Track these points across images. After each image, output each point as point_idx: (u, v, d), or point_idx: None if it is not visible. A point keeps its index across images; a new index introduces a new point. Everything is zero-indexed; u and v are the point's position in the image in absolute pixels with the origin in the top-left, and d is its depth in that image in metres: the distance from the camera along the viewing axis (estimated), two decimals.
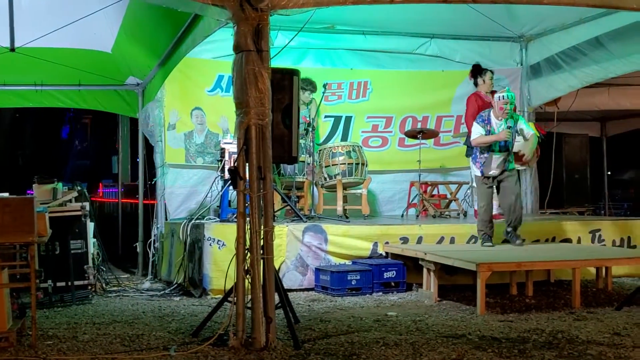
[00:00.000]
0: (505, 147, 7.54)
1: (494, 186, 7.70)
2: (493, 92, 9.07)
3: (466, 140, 9.20)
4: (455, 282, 7.47)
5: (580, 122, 14.89)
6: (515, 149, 7.79)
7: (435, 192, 10.08)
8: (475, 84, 9.06)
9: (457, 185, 9.87)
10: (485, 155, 7.57)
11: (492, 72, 9.09)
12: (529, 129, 7.71)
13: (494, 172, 7.58)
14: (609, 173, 16.93)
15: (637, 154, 22.15)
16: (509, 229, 7.69)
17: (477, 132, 7.62)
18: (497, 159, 7.55)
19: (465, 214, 9.47)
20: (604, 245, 8.40)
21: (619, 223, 8.81)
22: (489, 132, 7.53)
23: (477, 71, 9.08)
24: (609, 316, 6.07)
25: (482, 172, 7.62)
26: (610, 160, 16.22)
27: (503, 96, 7.50)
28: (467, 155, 9.14)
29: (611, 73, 9.46)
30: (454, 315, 6.21)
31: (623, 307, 6.40)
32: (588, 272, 7.82)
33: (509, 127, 7.48)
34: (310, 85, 9.21)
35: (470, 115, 8.93)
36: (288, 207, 8.39)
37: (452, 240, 8.01)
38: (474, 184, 9.03)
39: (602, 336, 5.29)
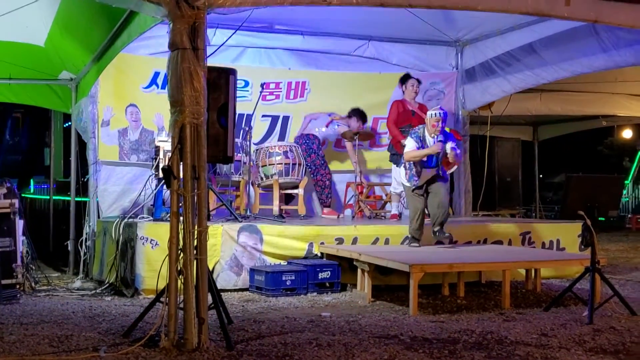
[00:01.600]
0: (435, 163, 7.61)
1: (424, 193, 7.70)
2: (423, 106, 9.30)
3: (389, 147, 9.40)
4: (389, 283, 7.54)
5: (513, 126, 15.24)
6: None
7: (371, 193, 10.17)
8: (402, 92, 9.37)
9: None
10: (419, 169, 7.61)
11: (418, 80, 9.35)
12: (454, 144, 7.80)
13: (422, 183, 7.64)
14: (541, 176, 17.36)
15: (568, 158, 22.79)
16: (436, 228, 7.69)
17: (411, 145, 7.65)
18: (428, 173, 7.62)
19: (400, 216, 9.56)
20: (534, 247, 8.59)
21: (548, 226, 9.02)
22: (421, 148, 7.59)
23: (401, 79, 9.40)
24: (537, 317, 6.21)
25: (414, 185, 7.64)
26: (541, 164, 16.63)
27: (435, 114, 7.58)
28: (391, 161, 9.32)
29: (543, 79, 9.68)
30: (387, 316, 6.27)
31: (551, 308, 6.55)
32: (518, 274, 7.99)
33: (440, 141, 7.57)
34: (362, 116, 9.79)
35: (391, 121, 9.30)
36: (224, 207, 8.33)
37: (387, 241, 8.08)
38: (401, 189, 9.19)
39: (530, 337, 5.40)
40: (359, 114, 9.73)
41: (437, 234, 7.71)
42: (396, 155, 9.21)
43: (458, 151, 7.72)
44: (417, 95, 9.42)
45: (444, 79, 10.58)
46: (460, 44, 10.50)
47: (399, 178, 9.19)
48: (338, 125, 9.81)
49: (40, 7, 6.98)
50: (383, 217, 9.67)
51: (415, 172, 7.63)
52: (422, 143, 7.61)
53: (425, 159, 7.59)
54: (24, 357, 4.67)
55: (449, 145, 7.60)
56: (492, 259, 7.39)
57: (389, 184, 10.05)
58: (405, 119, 9.20)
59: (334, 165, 10.18)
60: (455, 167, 8.19)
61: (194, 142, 4.97)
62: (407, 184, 7.75)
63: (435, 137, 7.59)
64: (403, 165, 7.87)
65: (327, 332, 5.55)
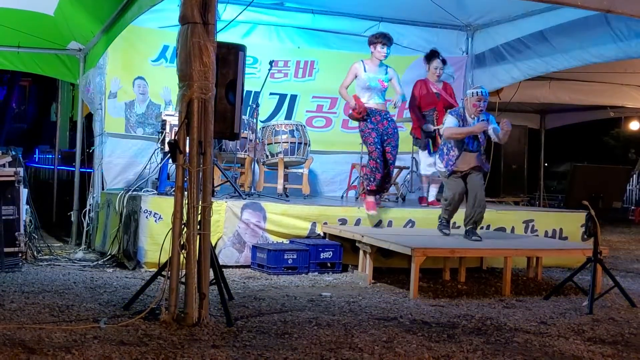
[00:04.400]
0: (477, 147, 7.16)
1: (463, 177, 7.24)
2: (447, 86, 9.01)
3: (410, 133, 9.21)
4: (391, 265, 7.56)
5: (520, 113, 15.18)
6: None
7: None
8: (427, 71, 8.92)
9: (397, 169, 9.93)
10: (457, 153, 7.13)
11: (442, 61, 8.78)
12: (497, 127, 7.46)
13: (463, 168, 7.18)
14: (546, 165, 17.32)
15: (574, 147, 22.76)
16: (469, 227, 7.25)
17: (452, 122, 7.13)
18: (468, 156, 7.15)
19: (404, 199, 9.56)
20: (537, 235, 8.59)
21: (552, 214, 9.02)
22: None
23: (427, 57, 8.86)
24: (537, 305, 6.22)
25: (450, 169, 7.15)
26: (547, 153, 16.58)
27: (476, 92, 7.09)
28: (415, 145, 9.14)
29: (553, 67, 9.64)
30: (387, 298, 6.28)
31: (551, 297, 6.56)
32: (520, 261, 7.99)
33: (484, 120, 7.10)
34: (385, 39, 7.99)
35: (413, 104, 8.89)
36: (228, 183, 8.34)
37: (390, 224, 8.08)
38: (432, 170, 9.02)
39: (529, 324, 5.42)
40: (384, 37, 8.05)
41: (469, 233, 7.23)
42: (418, 140, 8.95)
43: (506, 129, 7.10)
44: (440, 77, 8.86)
45: (454, 63, 10.50)
46: (471, 29, 10.44)
47: (426, 160, 8.90)
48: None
49: None
50: (387, 200, 9.65)
51: (452, 156, 7.13)
52: (462, 123, 7.12)
53: (466, 141, 7.10)
54: (24, 325, 4.68)
55: (493, 127, 7.10)
56: (494, 245, 7.39)
57: (395, 167, 9.99)
58: (429, 102, 8.73)
59: (340, 146, 10.17)
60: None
61: (201, 117, 4.96)
62: (443, 170, 7.26)
63: (477, 117, 7.08)
64: (441, 149, 7.36)
65: (327, 311, 5.57)
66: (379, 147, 7.84)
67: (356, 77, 8.03)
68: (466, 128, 7.09)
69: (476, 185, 7.16)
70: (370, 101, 7.94)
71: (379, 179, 7.86)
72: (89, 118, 9.37)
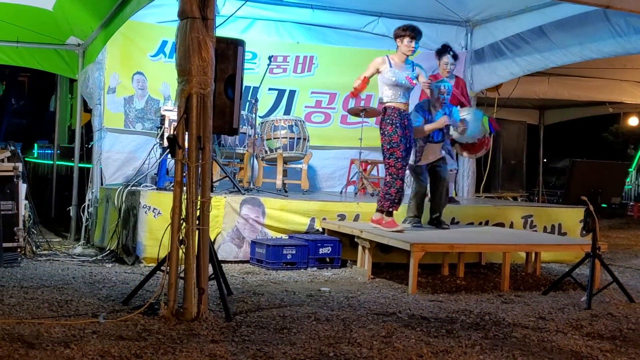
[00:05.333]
0: (441, 137, 7.51)
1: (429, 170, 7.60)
2: (459, 81, 8.88)
3: None
4: (390, 261, 7.56)
5: (519, 109, 15.20)
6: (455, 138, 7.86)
7: (374, 170, 10.16)
8: (438, 66, 8.55)
9: None
10: (422, 144, 7.45)
11: (453, 56, 8.29)
12: (455, 121, 7.60)
13: (430, 160, 7.53)
14: (545, 160, 17.32)
15: (573, 143, 22.73)
16: (436, 215, 7.65)
17: (417, 121, 7.41)
18: (434, 147, 7.49)
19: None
20: (535, 231, 8.59)
21: (550, 210, 9.02)
22: (428, 122, 7.41)
23: (437, 52, 8.43)
24: (535, 300, 6.23)
25: (416, 161, 7.45)
26: (546, 148, 16.60)
27: (440, 86, 7.40)
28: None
29: (552, 63, 9.63)
30: (385, 293, 6.29)
31: (549, 292, 6.57)
32: (518, 257, 8.01)
33: (445, 114, 7.44)
34: (414, 32, 7.05)
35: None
36: (227, 178, 8.34)
37: None
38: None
39: (528, 320, 5.42)
40: (413, 30, 7.12)
41: (439, 223, 7.63)
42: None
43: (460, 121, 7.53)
44: (450, 73, 8.34)
45: None
46: (471, 24, 10.44)
47: None
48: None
49: None
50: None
51: (419, 147, 7.44)
52: (429, 116, 7.43)
53: (430, 133, 7.41)
54: (23, 320, 4.69)
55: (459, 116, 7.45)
56: (493, 240, 7.39)
57: None
58: None
59: (338, 142, 10.17)
60: (485, 149, 8.09)
61: (200, 112, 4.96)
62: (412, 163, 7.49)
63: (440, 110, 7.45)
64: None
65: (325, 307, 5.57)
66: (404, 163, 6.91)
67: (378, 72, 7.03)
68: (430, 125, 7.39)
69: (442, 179, 7.56)
70: (395, 100, 6.96)
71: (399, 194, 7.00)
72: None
